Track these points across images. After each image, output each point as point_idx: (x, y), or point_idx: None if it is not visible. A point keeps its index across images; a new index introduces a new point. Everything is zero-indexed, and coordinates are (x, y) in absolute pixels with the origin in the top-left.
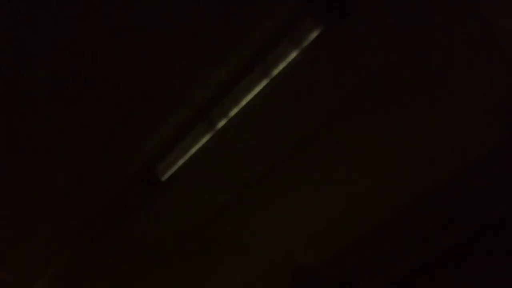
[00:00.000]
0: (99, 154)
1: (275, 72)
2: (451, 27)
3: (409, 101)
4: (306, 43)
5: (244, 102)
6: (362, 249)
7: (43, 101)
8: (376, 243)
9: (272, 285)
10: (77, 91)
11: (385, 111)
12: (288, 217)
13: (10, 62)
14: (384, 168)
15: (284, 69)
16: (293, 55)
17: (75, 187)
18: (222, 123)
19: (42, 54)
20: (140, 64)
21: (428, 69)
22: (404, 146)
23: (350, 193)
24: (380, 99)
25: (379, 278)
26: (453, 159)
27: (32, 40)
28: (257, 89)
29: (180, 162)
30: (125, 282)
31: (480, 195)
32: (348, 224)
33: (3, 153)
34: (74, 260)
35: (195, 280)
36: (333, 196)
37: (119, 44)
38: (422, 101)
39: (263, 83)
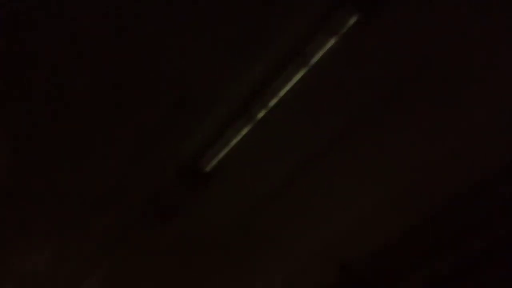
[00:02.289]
0: (146, 149)
1: (314, 61)
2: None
3: (448, 90)
4: (343, 31)
5: (283, 92)
6: (402, 246)
7: (89, 102)
8: (415, 241)
9: (314, 279)
10: (125, 88)
11: (423, 100)
12: (328, 212)
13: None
14: (426, 161)
15: (322, 57)
16: (331, 43)
17: (121, 183)
18: (262, 114)
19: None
20: (184, 58)
21: (466, 61)
22: (445, 138)
23: (390, 188)
24: (419, 87)
25: (418, 275)
26: (489, 157)
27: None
28: (296, 78)
29: (223, 153)
30: (166, 275)
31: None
32: (389, 220)
33: (51, 154)
34: (127, 251)
35: (236, 273)
36: (373, 191)
37: (164, 46)
38: (461, 89)
39: (302, 72)
